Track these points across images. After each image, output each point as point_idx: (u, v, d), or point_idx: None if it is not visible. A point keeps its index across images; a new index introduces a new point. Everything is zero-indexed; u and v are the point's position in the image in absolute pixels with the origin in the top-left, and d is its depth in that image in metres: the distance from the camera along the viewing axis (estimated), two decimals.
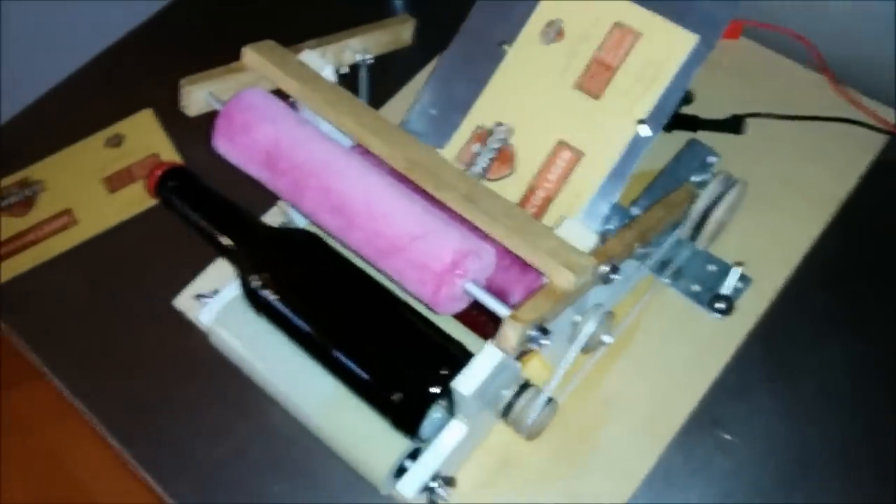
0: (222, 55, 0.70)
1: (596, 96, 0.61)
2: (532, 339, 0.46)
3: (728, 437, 0.61)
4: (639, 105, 0.59)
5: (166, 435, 0.65)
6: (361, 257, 0.51)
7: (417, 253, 0.47)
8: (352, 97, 0.55)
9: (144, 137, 0.81)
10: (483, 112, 0.64)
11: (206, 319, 0.60)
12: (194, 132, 0.61)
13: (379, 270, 0.50)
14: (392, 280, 0.50)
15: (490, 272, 0.49)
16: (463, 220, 0.50)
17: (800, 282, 0.67)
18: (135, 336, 0.69)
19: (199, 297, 0.62)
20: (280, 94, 0.58)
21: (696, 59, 0.58)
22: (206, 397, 0.65)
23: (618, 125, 0.60)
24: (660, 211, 0.54)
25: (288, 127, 0.52)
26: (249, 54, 0.59)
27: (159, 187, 0.60)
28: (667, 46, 0.59)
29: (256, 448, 0.63)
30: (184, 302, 0.68)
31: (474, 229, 0.50)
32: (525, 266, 0.53)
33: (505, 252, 0.51)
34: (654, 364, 0.64)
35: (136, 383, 0.67)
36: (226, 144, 0.53)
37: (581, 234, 0.49)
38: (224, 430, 0.64)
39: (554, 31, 0.62)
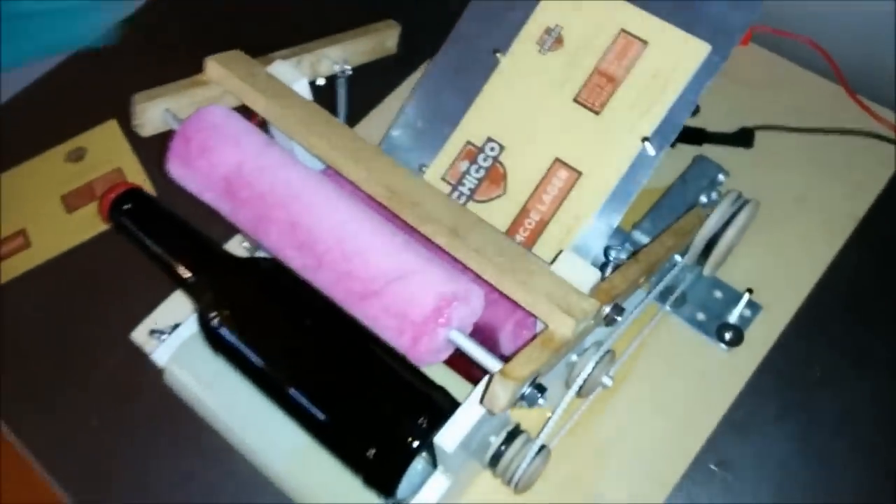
0: (195, 63, 0.65)
1: (597, 111, 0.55)
2: (525, 398, 0.41)
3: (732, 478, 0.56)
4: (644, 121, 0.54)
5: (121, 481, 0.59)
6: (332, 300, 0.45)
7: (394, 298, 0.41)
8: (326, 115, 0.49)
9: (108, 151, 0.76)
10: (472, 127, 0.58)
11: (161, 358, 0.55)
12: (162, 145, 0.56)
13: (352, 315, 0.44)
14: (367, 326, 0.44)
15: (477, 317, 0.43)
16: (449, 255, 0.44)
17: (814, 309, 0.62)
18: (89, 371, 0.63)
19: (153, 332, 0.57)
20: (247, 111, 0.52)
21: (707, 71, 0.53)
22: (167, 439, 0.60)
23: (620, 143, 0.54)
24: (668, 240, 0.49)
25: (252, 150, 0.46)
26: (212, 66, 0.53)
27: (112, 211, 0.54)
28: (676, 57, 0.53)
29: (223, 497, 0.57)
30: (142, 335, 0.62)
31: (463, 266, 0.44)
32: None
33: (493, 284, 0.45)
34: (654, 402, 0.58)
35: (87, 423, 0.61)
36: (181, 169, 0.48)
37: (581, 269, 0.43)
38: (187, 477, 0.58)
39: (552, 39, 0.56)
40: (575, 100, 0.55)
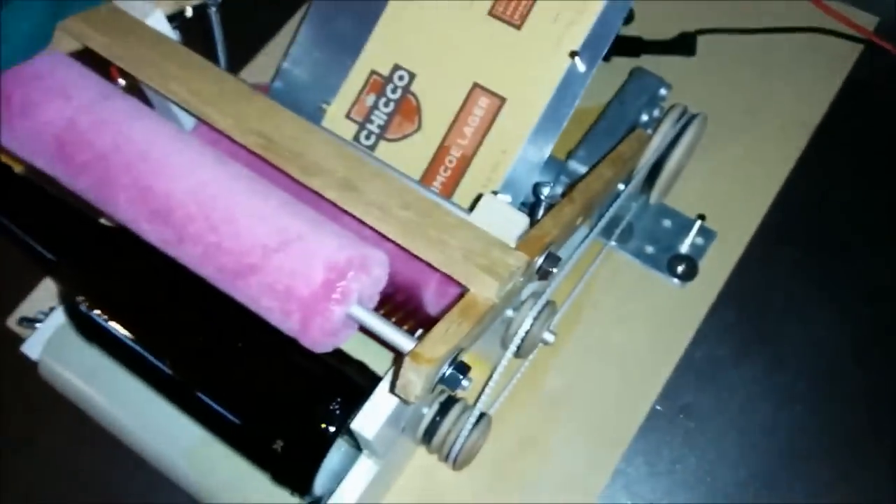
0: None
1: (517, 24, 0.47)
2: (445, 381, 0.34)
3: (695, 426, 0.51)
4: (570, 33, 0.46)
5: (12, 488, 0.51)
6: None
7: (275, 273, 0.33)
8: (184, 53, 0.40)
9: None
10: (377, 54, 0.50)
11: (32, 350, 0.47)
12: None
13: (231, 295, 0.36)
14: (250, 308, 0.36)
15: (383, 284, 0.36)
16: (349, 214, 0.37)
17: (772, 231, 0.56)
18: None
19: (23, 321, 0.48)
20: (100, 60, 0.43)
21: (580, 76, 0.46)
22: (59, 440, 0.52)
23: (547, 60, 0.47)
24: (607, 171, 0.42)
25: (87, 102, 0.37)
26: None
27: None
28: None
29: (129, 498, 0.50)
30: (17, 324, 0.54)
31: (362, 225, 0.36)
32: None
33: None
34: (604, 350, 0.53)
35: None
36: (5, 133, 0.39)
37: (506, 215, 0.36)
38: (86, 478, 0.51)
39: None
40: (490, 13, 0.48)
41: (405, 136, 0.50)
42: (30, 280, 0.56)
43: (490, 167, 0.48)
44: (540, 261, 0.36)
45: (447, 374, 0.33)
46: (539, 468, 0.49)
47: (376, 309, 0.35)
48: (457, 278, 0.34)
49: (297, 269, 0.33)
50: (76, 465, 0.52)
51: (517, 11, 0.47)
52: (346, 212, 0.36)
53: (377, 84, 0.50)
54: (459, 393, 0.37)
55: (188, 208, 0.34)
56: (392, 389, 0.35)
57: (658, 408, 0.51)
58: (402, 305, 0.44)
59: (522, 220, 0.36)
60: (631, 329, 0.53)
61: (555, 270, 0.37)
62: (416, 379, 0.31)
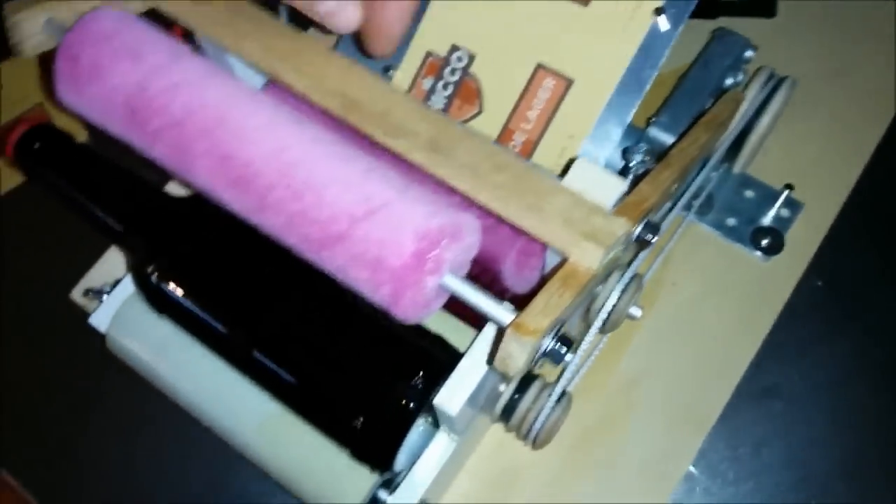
0: None
1: (584, 1, 0.45)
2: (549, 355, 0.32)
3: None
4: (643, 8, 0.43)
5: (71, 468, 0.51)
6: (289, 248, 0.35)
7: (364, 242, 0.31)
8: (255, 10, 0.38)
9: (25, 85, 0.65)
10: (431, 33, 0.47)
11: (99, 322, 0.46)
12: None
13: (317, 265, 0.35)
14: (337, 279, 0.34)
15: (475, 251, 0.34)
16: (432, 177, 0.35)
17: (862, 201, 0.53)
18: (24, 344, 0.54)
19: (89, 292, 0.47)
20: (164, 18, 0.42)
21: (663, 36, 0.43)
22: (120, 418, 0.51)
23: (616, 39, 0.44)
24: (702, 135, 0.39)
25: (160, 64, 0.35)
26: None
27: (19, 154, 0.45)
28: None
29: (191, 478, 0.49)
30: (81, 295, 0.53)
31: (448, 190, 0.34)
32: None
33: None
34: (686, 327, 0.50)
35: (24, 403, 0.53)
36: (72, 96, 0.37)
37: (602, 181, 0.33)
38: (148, 457, 0.50)
39: None
40: None
41: (465, 121, 0.47)
42: (91, 253, 0.55)
43: (557, 152, 0.45)
44: (639, 228, 0.34)
45: (550, 347, 0.31)
46: (617, 450, 0.47)
47: None
48: (556, 247, 0.32)
49: (387, 239, 0.31)
50: (144, 439, 0.51)
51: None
52: (428, 178, 0.34)
53: (434, 66, 0.48)
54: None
55: (268, 175, 0.32)
56: (490, 362, 0.33)
57: (744, 390, 0.49)
58: (475, 279, 0.42)
59: (620, 185, 0.34)
60: (712, 306, 0.51)
61: (654, 239, 0.35)
62: (518, 352, 0.29)
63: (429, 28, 0.47)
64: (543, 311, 0.30)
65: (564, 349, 0.32)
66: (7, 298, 0.56)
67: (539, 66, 0.45)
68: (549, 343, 0.31)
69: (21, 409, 0.53)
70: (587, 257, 0.31)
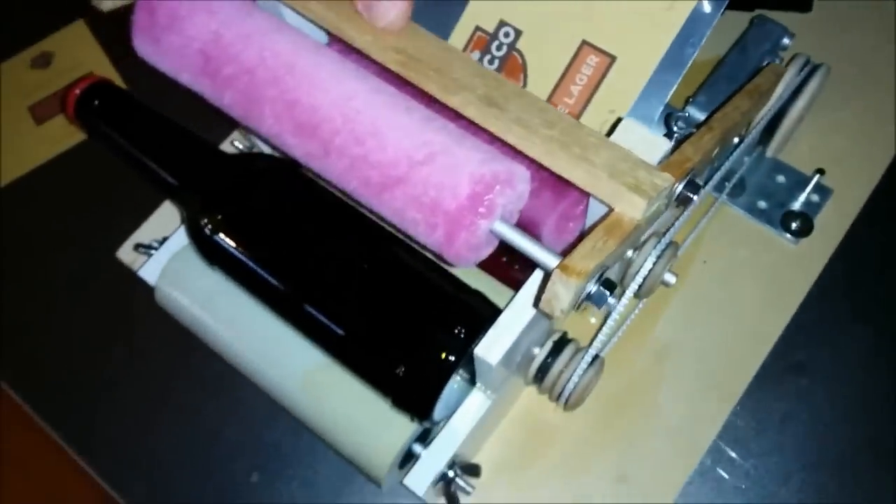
0: None
1: None
2: (592, 298, 0.33)
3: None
4: None
5: (120, 417, 0.53)
6: (346, 193, 0.37)
7: (421, 185, 0.33)
8: None
9: (77, 54, 0.67)
10: (481, 9, 0.49)
11: (149, 275, 0.47)
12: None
13: (372, 211, 0.36)
14: (391, 224, 0.36)
15: (524, 202, 0.35)
16: (484, 133, 0.36)
17: (890, 189, 0.54)
18: (73, 298, 0.56)
19: (139, 247, 0.49)
20: None
21: (705, 17, 0.44)
22: (162, 371, 0.53)
23: (660, 18, 0.45)
24: (743, 103, 0.40)
25: (232, 16, 0.37)
26: None
27: (79, 110, 0.46)
28: None
29: (229, 431, 0.51)
30: (129, 253, 0.55)
31: (499, 144, 0.36)
32: (558, 187, 0.40)
33: (533, 169, 0.37)
34: (715, 303, 0.51)
35: (76, 356, 0.55)
36: (148, 46, 0.39)
37: (647, 139, 0.35)
38: (188, 411, 0.52)
39: None
40: None
41: None
42: (130, 217, 0.57)
43: (598, 126, 0.47)
44: (681, 186, 0.36)
45: (594, 291, 0.33)
46: (647, 417, 0.49)
47: None
48: (602, 197, 0.34)
49: (444, 182, 0.32)
50: (186, 398, 0.53)
51: None
52: (483, 132, 0.35)
53: (482, 41, 0.49)
54: (573, 327, 0.37)
55: (334, 121, 0.34)
56: (536, 304, 0.34)
57: (771, 366, 0.50)
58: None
59: (664, 143, 0.35)
60: (742, 284, 0.52)
61: (696, 198, 0.36)
62: (564, 292, 0.30)
63: (478, 4, 0.49)
64: (589, 254, 0.31)
65: (608, 293, 0.33)
66: (55, 260, 0.58)
67: (584, 43, 0.47)
68: (592, 287, 0.33)
69: (72, 360, 0.54)
70: (632, 208, 0.33)
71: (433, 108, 0.37)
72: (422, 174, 0.33)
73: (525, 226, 0.42)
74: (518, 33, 0.48)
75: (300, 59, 0.36)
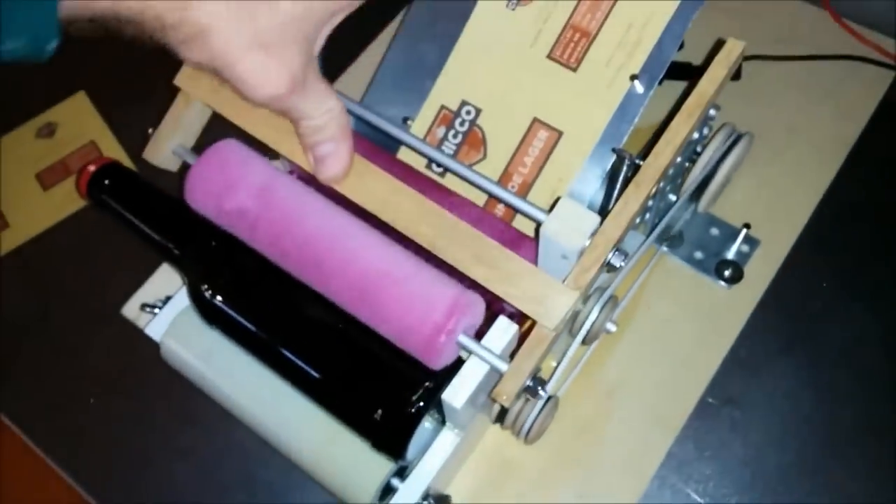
0: None
1: (573, 67, 0.53)
2: (528, 389, 0.44)
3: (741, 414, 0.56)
4: (622, 74, 0.52)
5: (123, 459, 0.58)
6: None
7: (398, 314, 0.43)
8: None
9: (80, 125, 0.73)
10: (446, 90, 0.56)
11: (154, 332, 0.53)
12: (134, 114, 0.54)
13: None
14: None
15: (481, 319, 0.45)
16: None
17: (812, 239, 0.61)
18: (82, 350, 0.62)
19: (144, 307, 0.55)
20: None
21: (685, 15, 0.51)
22: (165, 416, 0.59)
23: (600, 99, 0.52)
24: (667, 150, 0.46)
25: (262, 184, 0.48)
26: (181, 93, 0.51)
27: (91, 188, 0.52)
28: (648, 6, 0.51)
29: (226, 470, 0.57)
30: (133, 310, 0.60)
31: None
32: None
33: None
34: (658, 344, 0.58)
35: (81, 406, 0.60)
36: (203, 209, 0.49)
37: (579, 214, 0.42)
38: (188, 452, 0.58)
39: None
40: (549, 56, 0.53)
41: (473, 164, 0.55)
42: (135, 275, 0.63)
43: (548, 193, 0.53)
44: (611, 256, 0.43)
45: (529, 384, 0.44)
46: (598, 448, 0.55)
47: None
48: (525, 311, 0.43)
49: (419, 312, 0.42)
50: (184, 439, 0.58)
51: (573, 56, 0.53)
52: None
53: (447, 117, 0.56)
54: None
55: (332, 265, 0.45)
56: (490, 395, 0.43)
57: (708, 399, 0.56)
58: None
59: (594, 219, 0.42)
60: (681, 327, 0.59)
61: (622, 265, 0.43)
62: (504, 401, 0.42)
63: (443, 85, 0.56)
64: (516, 374, 0.42)
65: (539, 387, 0.44)
66: (63, 317, 0.64)
67: (535, 120, 0.54)
68: (528, 382, 0.43)
69: (82, 407, 0.60)
70: (548, 323, 0.42)
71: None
72: (399, 304, 0.43)
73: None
74: (478, 111, 0.55)
75: (307, 217, 0.46)
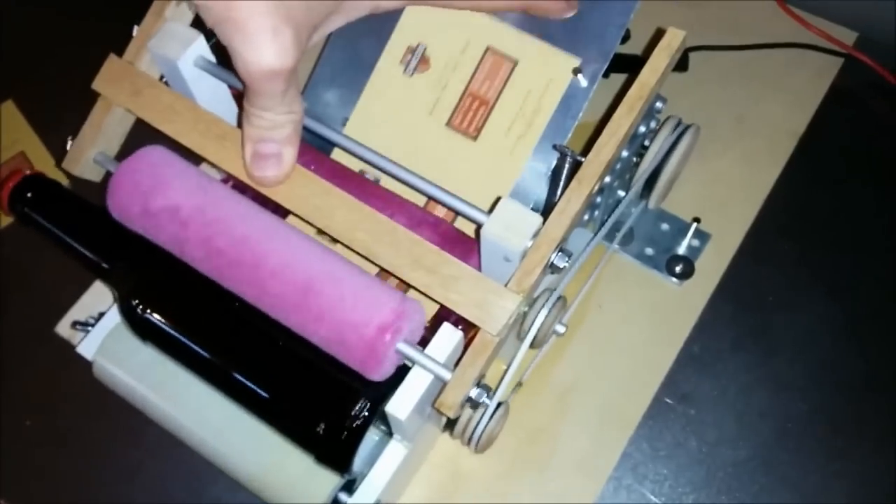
0: (89, 28, 0.59)
1: (472, 136, 0.51)
2: (471, 401, 0.42)
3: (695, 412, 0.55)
4: (522, 144, 0.50)
5: (64, 481, 0.56)
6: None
7: (336, 328, 0.41)
8: (222, 127, 0.46)
9: (8, 134, 0.70)
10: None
11: (87, 351, 0.51)
12: (65, 122, 0.51)
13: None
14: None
15: (423, 326, 0.44)
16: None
17: (762, 232, 0.61)
18: (12, 373, 0.59)
19: (76, 324, 0.53)
20: None
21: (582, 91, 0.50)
22: (105, 437, 0.57)
23: (501, 168, 0.50)
24: (610, 144, 0.45)
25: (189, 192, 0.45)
26: (101, 98, 0.49)
27: (13, 202, 0.50)
28: (546, 74, 0.50)
29: (171, 490, 0.55)
30: (66, 328, 0.58)
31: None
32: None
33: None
34: (610, 343, 0.57)
35: (15, 428, 0.57)
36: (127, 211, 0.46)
37: (521, 215, 0.40)
38: (132, 473, 0.55)
39: (417, 59, 0.51)
40: (448, 125, 0.51)
41: None
42: (67, 293, 0.60)
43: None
44: (553, 255, 0.41)
45: (474, 394, 0.42)
46: (552, 452, 0.54)
47: None
48: (468, 318, 0.41)
49: (356, 322, 0.41)
50: (127, 458, 0.56)
51: (472, 124, 0.51)
52: None
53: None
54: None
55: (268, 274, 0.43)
56: (433, 405, 0.42)
57: (662, 398, 0.55)
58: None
59: (536, 220, 0.40)
60: (633, 325, 0.58)
61: (565, 265, 0.42)
62: (447, 412, 0.40)
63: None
64: (459, 384, 0.41)
65: (485, 393, 0.42)
66: None
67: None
68: (472, 391, 0.41)
69: (15, 434, 0.57)
70: (490, 328, 0.41)
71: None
72: (337, 319, 0.41)
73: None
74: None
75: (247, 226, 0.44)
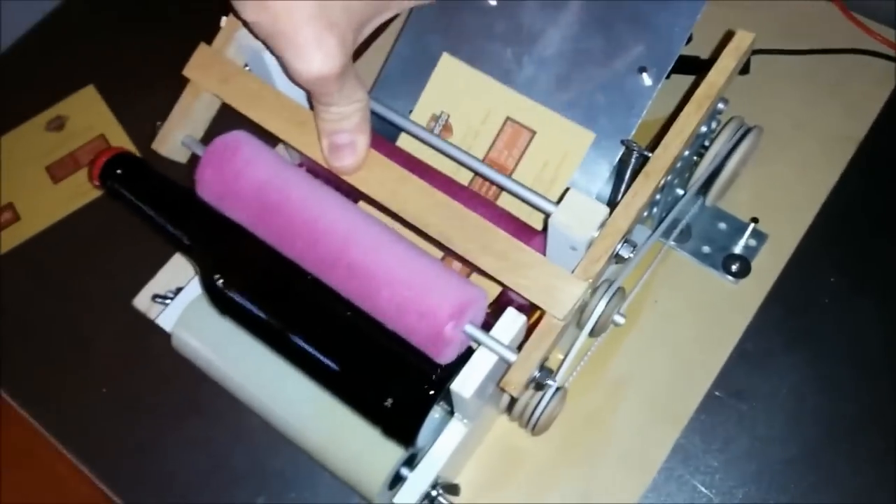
0: (165, 18, 0.62)
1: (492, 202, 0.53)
2: (536, 379, 0.43)
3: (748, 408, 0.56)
4: (537, 211, 0.52)
5: (135, 449, 0.59)
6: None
7: (409, 312, 0.44)
8: (304, 113, 0.48)
9: (89, 118, 0.74)
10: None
11: (166, 323, 0.54)
12: (143, 107, 0.54)
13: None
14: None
15: (485, 311, 0.45)
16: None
17: (819, 235, 0.62)
18: (91, 343, 0.63)
19: (156, 297, 0.56)
20: None
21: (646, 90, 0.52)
22: (176, 405, 0.59)
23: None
24: (677, 141, 0.46)
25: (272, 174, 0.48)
26: (192, 83, 0.51)
27: (104, 177, 0.53)
28: (563, 145, 0.52)
29: (237, 459, 0.57)
30: (144, 302, 0.61)
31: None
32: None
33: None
34: (665, 338, 0.58)
35: (94, 395, 0.61)
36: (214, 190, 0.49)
37: (588, 206, 0.42)
38: (200, 441, 0.58)
39: (440, 126, 0.54)
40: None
41: None
42: (144, 269, 0.63)
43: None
44: (619, 246, 0.43)
45: (538, 374, 0.43)
46: (605, 440, 0.55)
47: None
48: (535, 302, 0.43)
49: (426, 310, 0.43)
50: (195, 429, 0.59)
51: (491, 190, 0.53)
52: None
53: None
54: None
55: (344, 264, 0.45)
56: (499, 385, 0.43)
57: (715, 393, 0.57)
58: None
59: (603, 210, 0.42)
60: (688, 321, 0.59)
61: (630, 255, 0.43)
62: (513, 391, 0.42)
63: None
64: (525, 364, 0.42)
65: (547, 374, 0.44)
66: (74, 309, 0.64)
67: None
68: (536, 373, 0.43)
69: (97, 397, 0.61)
70: (557, 313, 0.42)
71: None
72: (410, 304, 0.43)
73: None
74: None
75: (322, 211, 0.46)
